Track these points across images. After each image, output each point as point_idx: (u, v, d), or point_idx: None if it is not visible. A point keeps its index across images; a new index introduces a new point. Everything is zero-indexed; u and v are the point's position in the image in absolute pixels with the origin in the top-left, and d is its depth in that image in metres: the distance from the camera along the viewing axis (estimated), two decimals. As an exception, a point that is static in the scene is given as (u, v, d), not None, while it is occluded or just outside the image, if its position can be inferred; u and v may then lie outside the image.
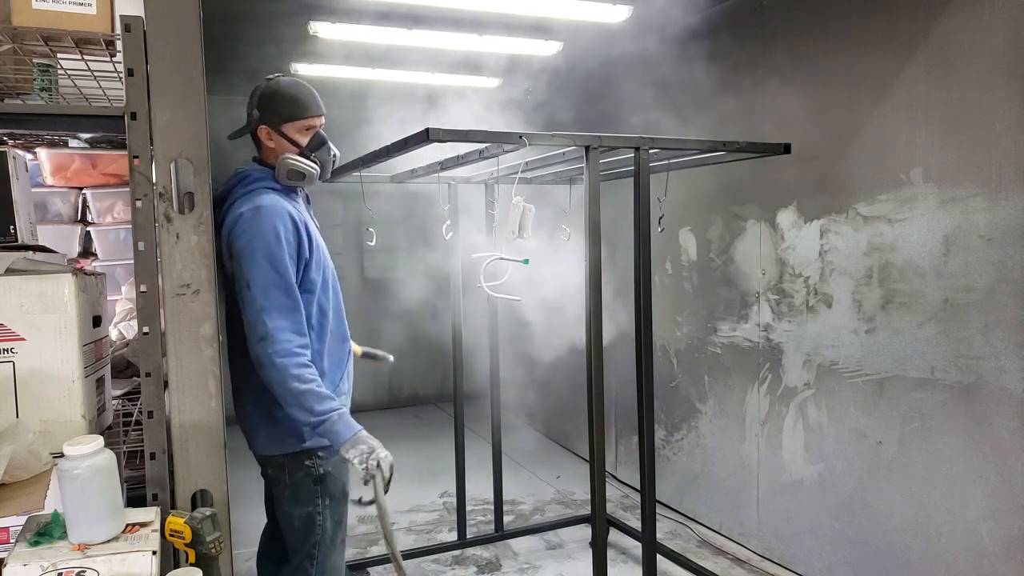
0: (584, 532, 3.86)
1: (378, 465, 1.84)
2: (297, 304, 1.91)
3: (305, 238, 1.98)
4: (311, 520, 2.03)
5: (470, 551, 3.66)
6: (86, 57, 1.78)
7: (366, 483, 1.85)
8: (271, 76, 2.22)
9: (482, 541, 3.71)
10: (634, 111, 4.35)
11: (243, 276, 1.89)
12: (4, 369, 1.52)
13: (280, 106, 2.10)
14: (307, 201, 2.26)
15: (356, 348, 2.53)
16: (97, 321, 1.74)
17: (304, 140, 2.09)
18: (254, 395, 2.00)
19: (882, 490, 2.90)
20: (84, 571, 1.30)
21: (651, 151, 2.52)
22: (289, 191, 2.09)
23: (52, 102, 1.81)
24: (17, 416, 1.53)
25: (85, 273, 1.70)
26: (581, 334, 2.45)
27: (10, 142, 2.52)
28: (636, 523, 3.66)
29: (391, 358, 2.80)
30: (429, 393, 6.87)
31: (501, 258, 2.80)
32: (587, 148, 2.32)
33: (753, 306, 3.55)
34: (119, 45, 1.69)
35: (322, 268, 2.05)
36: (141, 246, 1.64)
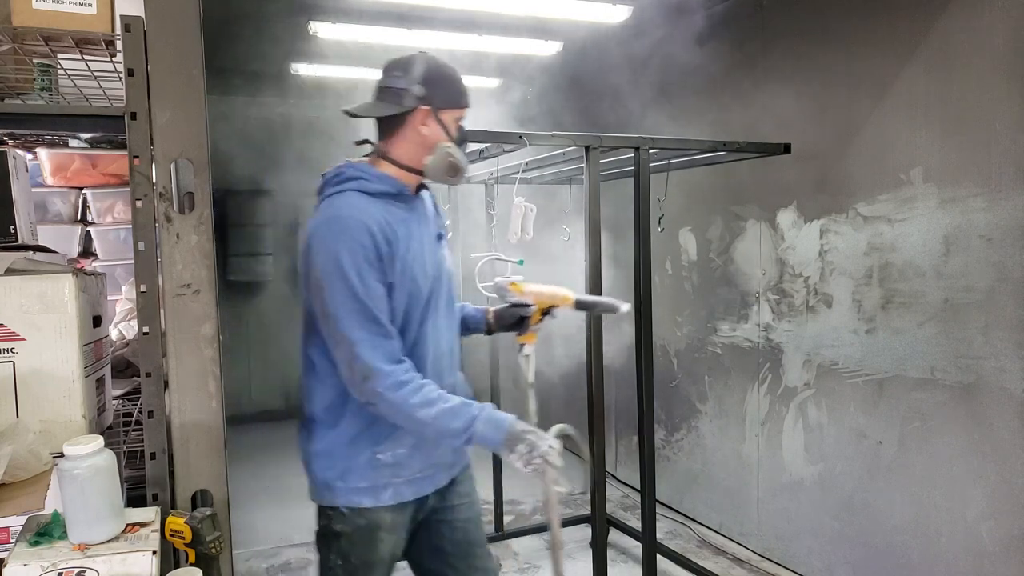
0: (584, 532, 3.86)
1: (545, 460, 1.62)
2: (389, 329, 1.63)
3: (388, 256, 1.63)
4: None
5: (470, 551, 3.66)
6: (86, 57, 1.78)
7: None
8: (421, 51, 1.81)
9: (482, 541, 3.71)
10: (634, 111, 4.35)
11: (324, 307, 1.60)
12: (4, 369, 1.52)
13: (445, 88, 1.77)
14: (435, 207, 1.90)
15: (568, 296, 2.03)
16: (97, 321, 1.74)
17: (455, 133, 1.78)
18: (308, 432, 1.79)
19: (882, 490, 2.90)
20: (84, 571, 1.30)
21: (651, 151, 2.53)
22: (395, 195, 1.73)
23: (52, 102, 1.81)
24: (17, 416, 1.53)
25: (85, 273, 1.70)
26: (582, 334, 2.45)
27: (10, 142, 2.52)
28: (636, 523, 3.66)
29: (624, 307, 2.03)
30: (429, 393, 6.86)
31: (497, 258, 2.81)
32: (587, 148, 2.33)
33: (753, 306, 3.55)
34: (119, 45, 1.69)
35: (407, 296, 1.68)
36: (141, 246, 1.64)
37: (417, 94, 1.72)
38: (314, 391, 1.73)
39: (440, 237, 1.86)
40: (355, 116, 1.76)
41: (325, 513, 1.78)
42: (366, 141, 1.84)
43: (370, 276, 1.59)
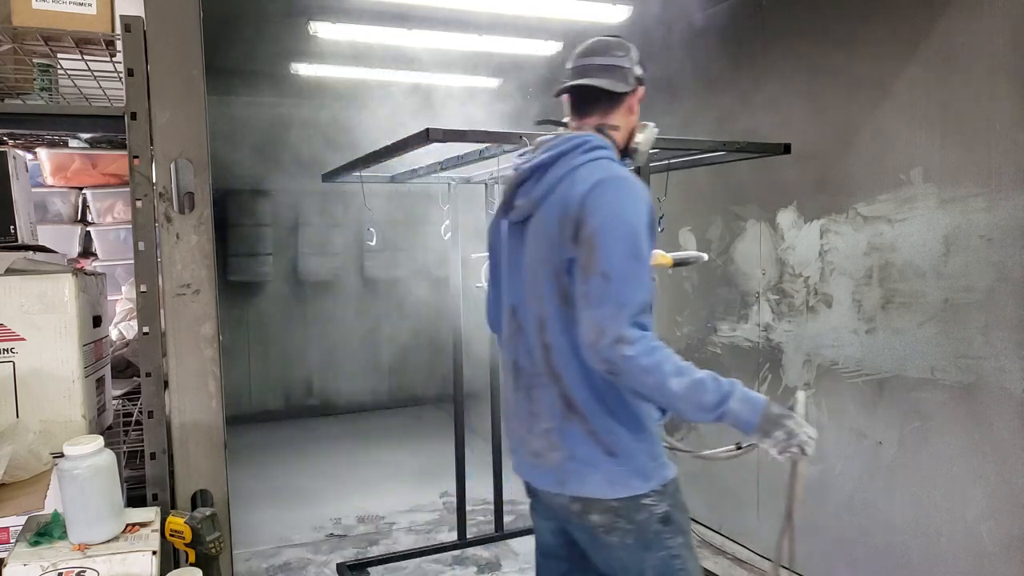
0: (584, 532, 3.86)
1: (802, 451, 1.55)
2: (650, 304, 1.57)
3: (652, 227, 1.60)
4: (668, 565, 1.68)
5: (470, 551, 3.66)
6: (86, 57, 1.78)
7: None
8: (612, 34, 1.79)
9: (482, 541, 3.71)
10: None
11: (597, 263, 1.50)
12: (4, 369, 1.52)
13: (646, 71, 1.78)
14: None
15: (667, 257, 2.09)
16: (97, 321, 1.74)
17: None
18: (588, 426, 1.62)
19: (882, 490, 2.90)
20: (84, 571, 1.30)
21: (651, 151, 2.52)
22: None
23: (52, 102, 1.81)
24: (17, 416, 1.53)
25: (85, 273, 1.70)
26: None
27: (10, 142, 2.52)
28: (636, 523, 3.66)
29: (706, 256, 2.28)
30: (429, 393, 6.87)
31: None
32: (587, 148, 2.32)
33: (753, 306, 3.55)
34: (119, 45, 1.69)
35: None
36: (141, 246, 1.64)
37: (637, 75, 1.74)
38: (593, 376, 1.60)
39: None
40: (618, 92, 1.72)
41: (637, 503, 1.62)
42: (551, 122, 1.84)
43: (648, 242, 1.56)
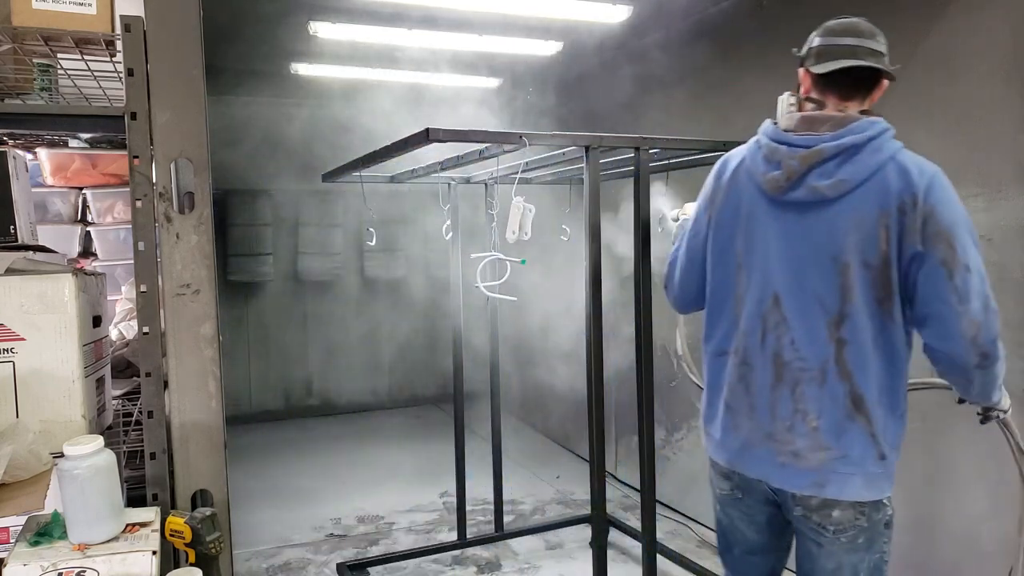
0: (584, 532, 3.86)
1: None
2: None
3: None
4: (879, 567, 1.69)
5: (470, 551, 3.66)
6: (86, 57, 1.78)
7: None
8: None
9: (482, 541, 3.71)
10: (634, 111, 4.35)
11: (960, 258, 1.49)
12: (4, 369, 1.52)
13: None
14: None
15: None
16: (97, 321, 1.74)
17: None
18: (872, 427, 1.59)
19: (882, 490, 2.90)
20: (84, 571, 1.30)
21: (651, 151, 2.52)
22: None
23: (52, 102, 1.81)
24: (17, 416, 1.53)
25: (85, 273, 1.70)
26: (582, 335, 2.45)
27: (10, 142, 2.52)
28: (636, 523, 3.66)
29: None
30: (429, 393, 6.87)
31: (499, 258, 2.80)
32: (587, 148, 2.33)
33: (753, 306, 3.55)
34: (119, 45, 1.69)
35: None
36: (141, 246, 1.64)
37: (888, 62, 1.68)
38: (885, 375, 1.57)
39: None
40: (891, 79, 1.70)
41: (879, 505, 1.64)
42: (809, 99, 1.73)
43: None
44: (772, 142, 1.64)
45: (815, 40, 1.71)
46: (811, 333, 1.58)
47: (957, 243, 1.50)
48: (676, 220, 2.33)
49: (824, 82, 1.67)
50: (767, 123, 1.72)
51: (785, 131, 1.65)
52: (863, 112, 1.66)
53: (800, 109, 1.72)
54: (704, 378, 1.83)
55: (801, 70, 1.74)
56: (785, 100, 1.76)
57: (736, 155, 1.78)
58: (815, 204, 1.57)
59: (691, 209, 1.96)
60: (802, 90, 1.74)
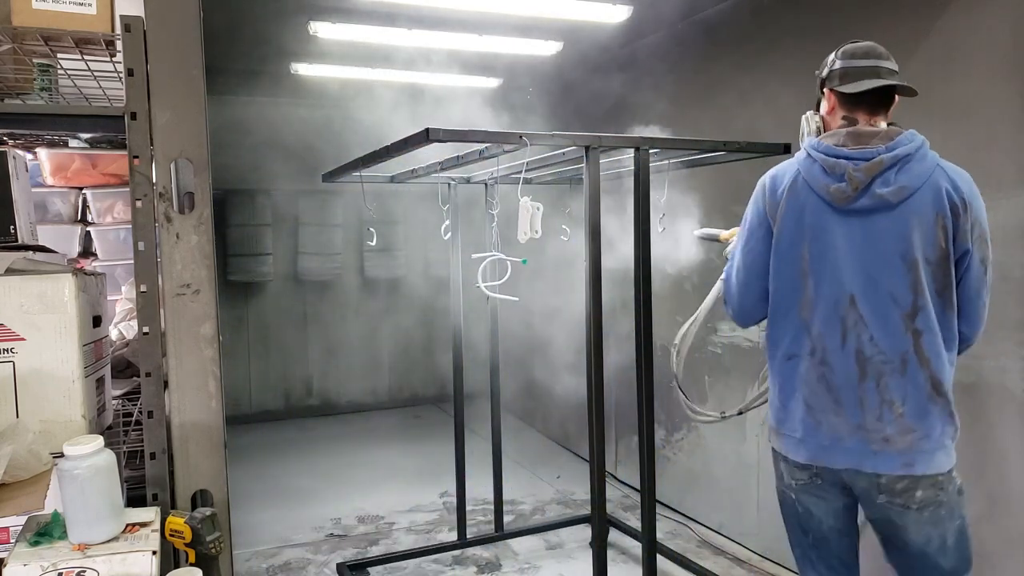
0: (584, 532, 3.86)
1: None
2: None
3: None
4: (963, 532, 1.80)
5: (470, 551, 3.66)
6: (86, 57, 1.78)
7: None
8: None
9: (482, 541, 3.71)
10: (634, 111, 4.35)
11: (989, 256, 1.79)
12: (4, 369, 1.52)
13: None
14: None
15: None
16: (97, 321, 1.74)
17: None
18: (949, 407, 1.75)
19: None
20: (84, 571, 1.30)
21: (651, 151, 2.52)
22: None
23: (52, 102, 1.81)
24: (17, 416, 1.53)
25: (85, 273, 1.70)
26: (583, 333, 2.45)
27: (10, 142, 2.52)
28: (636, 523, 3.66)
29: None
30: (429, 393, 6.87)
31: (500, 258, 2.80)
32: (587, 148, 2.33)
33: (753, 306, 3.55)
34: (119, 45, 1.69)
35: None
36: (141, 246, 1.64)
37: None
38: (952, 357, 1.78)
39: None
40: (892, 90, 1.87)
41: (951, 475, 1.78)
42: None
43: None
44: (830, 157, 1.78)
45: (837, 63, 1.88)
46: (888, 328, 1.74)
47: (989, 245, 1.79)
48: (706, 238, 2.59)
49: (854, 101, 1.85)
50: (814, 139, 1.86)
51: (836, 147, 1.80)
52: (889, 124, 1.87)
53: (825, 127, 1.91)
54: (774, 382, 1.94)
55: (825, 90, 1.91)
56: (811, 118, 1.95)
57: (785, 170, 1.90)
58: (879, 210, 1.74)
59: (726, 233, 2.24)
60: (826, 108, 1.92)
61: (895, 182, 1.71)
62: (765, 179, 1.94)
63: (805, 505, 1.92)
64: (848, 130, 1.81)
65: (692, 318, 2.54)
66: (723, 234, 2.50)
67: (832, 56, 1.90)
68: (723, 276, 2.13)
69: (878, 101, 1.84)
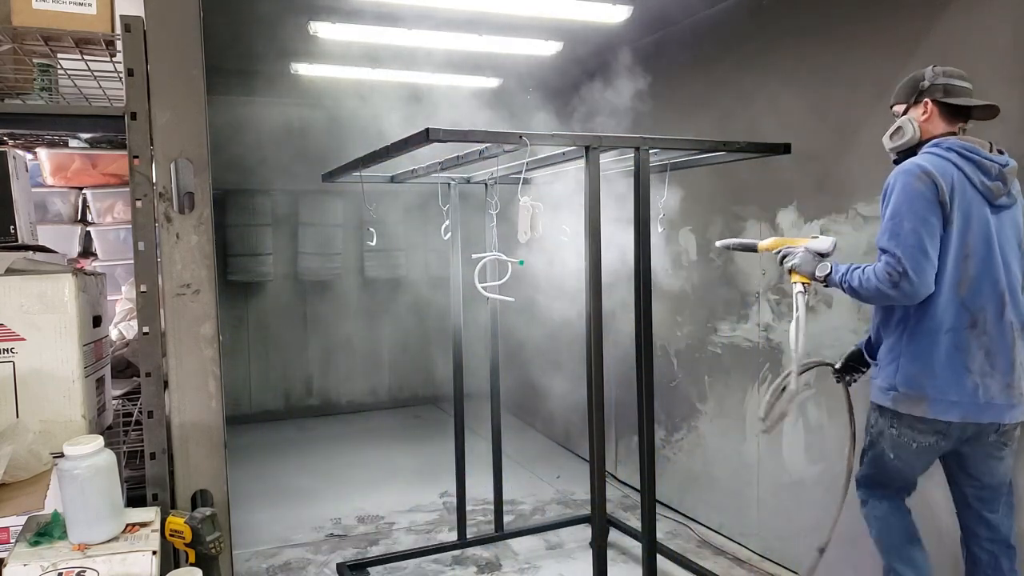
0: (584, 532, 3.86)
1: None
2: None
3: None
4: (1012, 474, 2.30)
5: (470, 551, 3.66)
6: (86, 57, 1.78)
7: None
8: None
9: (482, 541, 3.71)
10: (634, 110, 4.35)
11: None
12: (4, 369, 1.52)
13: None
14: None
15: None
16: (97, 321, 1.74)
17: None
18: None
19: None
20: (84, 571, 1.30)
21: (651, 151, 2.52)
22: None
23: (52, 102, 1.81)
24: (17, 416, 1.53)
25: (85, 273, 1.70)
26: (582, 333, 2.45)
27: (10, 142, 2.52)
28: (636, 523, 3.66)
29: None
30: (429, 393, 6.87)
31: (498, 258, 2.80)
32: (587, 148, 2.32)
33: (753, 306, 3.55)
34: (119, 45, 1.69)
35: None
36: (141, 246, 1.64)
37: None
38: None
39: None
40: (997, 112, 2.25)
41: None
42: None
43: None
44: (985, 160, 2.14)
45: (939, 78, 2.21)
46: (1019, 300, 2.16)
47: None
48: (738, 248, 2.67)
49: (955, 112, 2.21)
50: (961, 142, 2.16)
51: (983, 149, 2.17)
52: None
53: (923, 133, 2.23)
54: (915, 355, 2.16)
55: (927, 100, 2.22)
56: (913, 122, 2.25)
57: (940, 168, 2.11)
58: (1010, 206, 2.19)
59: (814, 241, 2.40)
60: (925, 115, 2.23)
61: (1014, 185, 2.19)
62: (927, 171, 2.10)
63: (912, 465, 2.27)
64: (972, 138, 2.18)
65: (793, 323, 2.37)
66: (761, 244, 2.51)
67: (931, 71, 2.22)
68: (869, 267, 2.18)
69: (967, 116, 2.23)
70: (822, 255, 2.33)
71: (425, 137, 2.13)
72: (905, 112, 2.26)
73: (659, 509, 4.08)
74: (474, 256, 2.97)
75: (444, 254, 3.65)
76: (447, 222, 3.39)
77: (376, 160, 2.68)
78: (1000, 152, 2.19)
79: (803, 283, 2.33)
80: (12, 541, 1.47)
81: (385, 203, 6.39)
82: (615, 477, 4.76)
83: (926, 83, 2.22)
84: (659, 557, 3.14)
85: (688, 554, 3.52)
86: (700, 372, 3.93)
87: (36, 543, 1.36)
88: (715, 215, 3.78)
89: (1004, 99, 2.42)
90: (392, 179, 3.46)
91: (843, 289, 2.22)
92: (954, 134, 2.20)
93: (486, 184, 3.47)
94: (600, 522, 2.46)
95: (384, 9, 3.63)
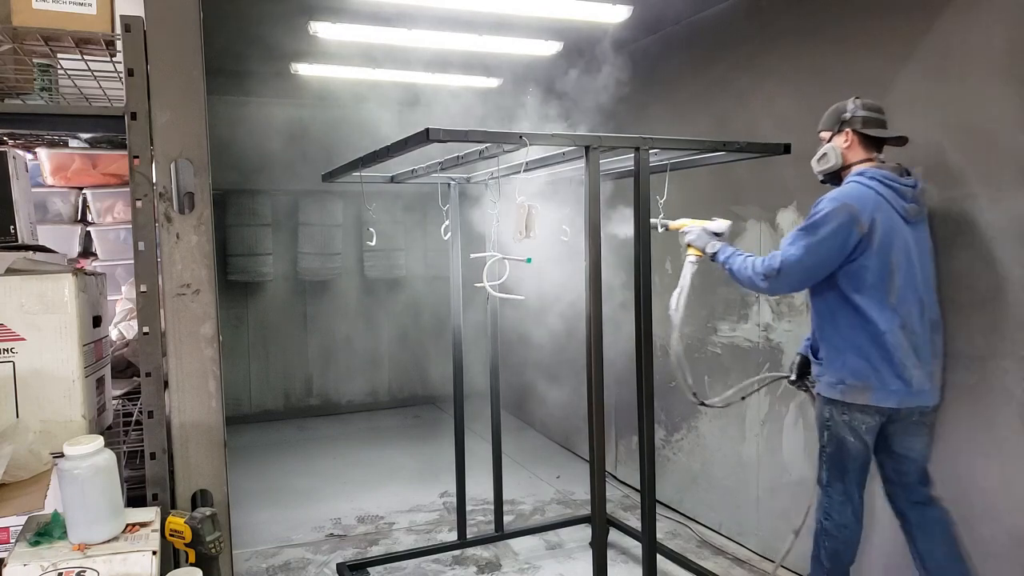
0: (584, 532, 3.86)
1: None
2: None
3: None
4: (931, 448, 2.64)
5: (470, 551, 3.66)
6: (86, 57, 1.78)
7: None
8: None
9: (482, 541, 3.71)
10: (634, 111, 4.35)
11: None
12: (4, 369, 1.52)
13: None
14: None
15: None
16: (97, 321, 1.74)
17: None
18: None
19: (882, 491, 2.89)
20: (84, 571, 1.30)
21: (651, 151, 2.52)
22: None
23: (52, 102, 1.81)
24: (17, 416, 1.53)
25: (85, 273, 1.70)
26: (581, 333, 2.45)
27: (10, 142, 2.52)
28: (636, 523, 3.66)
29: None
30: (429, 393, 6.87)
31: (503, 258, 2.80)
32: (587, 148, 2.32)
33: (753, 306, 3.55)
34: (119, 45, 1.69)
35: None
36: (141, 246, 1.64)
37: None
38: None
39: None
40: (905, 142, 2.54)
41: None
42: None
43: None
44: (902, 186, 2.44)
45: (859, 111, 2.49)
46: (933, 302, 2.49)
47: None
48: (654, 227, 2.80)
49: (873, 142, 2.50)
50: (882, 171, 2.45)
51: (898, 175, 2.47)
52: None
53: (844, 160, 2.53)
54: (859, 354, 2.44)
55: (848, 130, 2.50)
56: (837, 151, 2.54)
57: (863, 197, 2.40)
58: (921, 222, 2.49)
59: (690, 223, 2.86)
60: (846, 143, 2.52)
61: (923, 202, 2.50)
62: (849, 203, 2.39)
63: (864, 443, 2.49)
64: (890, 164, 2.49)
65: (677, 289, 2.85)
66: (672, 224, 2.89)
67: (851, 104, 2.49)
68: (753, 259, 2.61)
69: (881, 146, 2.53)
70: (717, 235, 2.78)
71: (425, 137, 2.13)
72: (830, 139, 2.54)
73: (659, 509, 4.09)
74: (472, 256, 2.96)
75: (444, 254, 3.64)
76: (447, 222, 3.39)
77: (376, 160, 2.68)
78: (908, 174, 2.48)
79: (696, 255, 2.81)
80: (12, 541, 1.47)
81: (385, 203, 6.39)
82: (615, 477, 4.76)
83: (848, 115, 2.50)
84: (659, 557, 3.14)
85: (688, 554, 3.52)
86: (700, 372, 3.93)
87: (36, 543, 1.36)
88: (715, 215, 3.77)
89: (1000, 99, 2.43)
90: (392, 179, 3.46)
91: (724, 268, 2.68)
92: (871, 160, 2.49)
93: (486, 184, 3.47)
94: (600, 522, 2.46)
95: (384, 9, 3.63)
